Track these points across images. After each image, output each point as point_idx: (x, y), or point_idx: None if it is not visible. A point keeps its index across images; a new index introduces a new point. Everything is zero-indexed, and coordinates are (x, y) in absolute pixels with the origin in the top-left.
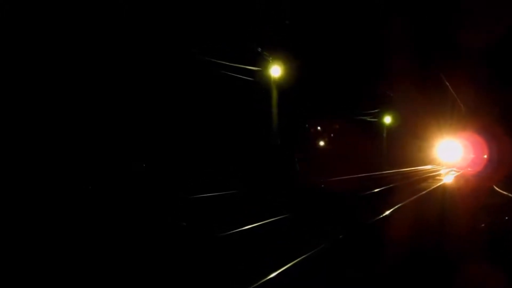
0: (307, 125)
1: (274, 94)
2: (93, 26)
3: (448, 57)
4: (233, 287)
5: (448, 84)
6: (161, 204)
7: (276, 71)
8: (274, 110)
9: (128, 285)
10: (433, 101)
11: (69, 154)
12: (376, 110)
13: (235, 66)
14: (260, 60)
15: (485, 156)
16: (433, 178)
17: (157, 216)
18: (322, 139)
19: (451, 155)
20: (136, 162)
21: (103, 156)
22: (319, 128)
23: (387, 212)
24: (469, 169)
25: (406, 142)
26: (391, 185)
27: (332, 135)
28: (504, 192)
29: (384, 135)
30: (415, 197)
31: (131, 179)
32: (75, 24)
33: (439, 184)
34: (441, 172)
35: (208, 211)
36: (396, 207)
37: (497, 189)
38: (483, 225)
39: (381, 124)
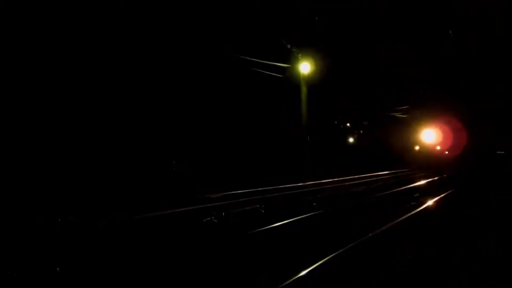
0: (336, 122)
1: (304, 91)
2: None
3: None
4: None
5: None
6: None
7: (305, 67)
8: (304, 106)
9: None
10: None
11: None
12: (405, 107)
13: (263, 62)
14: (289, 57)
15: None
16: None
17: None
18: (352, 135)
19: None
20: (170, 160)
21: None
22: (348, 124)
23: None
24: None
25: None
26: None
27: (361, 131)
28: None
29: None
30: (443, 195)
31: (164, 177)
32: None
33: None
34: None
35: (239, 208)
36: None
37: None
38: None
39: (410, 121)
